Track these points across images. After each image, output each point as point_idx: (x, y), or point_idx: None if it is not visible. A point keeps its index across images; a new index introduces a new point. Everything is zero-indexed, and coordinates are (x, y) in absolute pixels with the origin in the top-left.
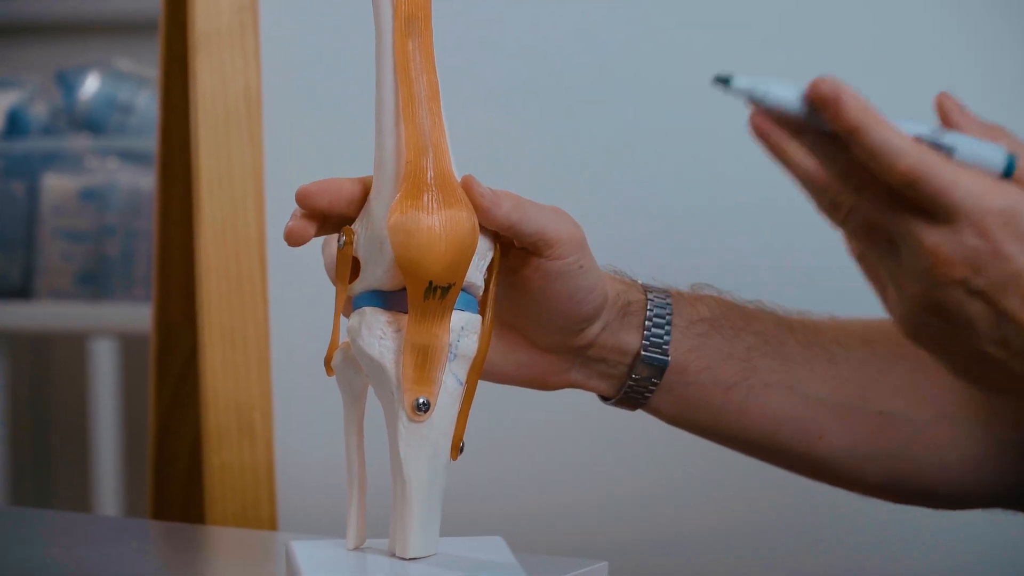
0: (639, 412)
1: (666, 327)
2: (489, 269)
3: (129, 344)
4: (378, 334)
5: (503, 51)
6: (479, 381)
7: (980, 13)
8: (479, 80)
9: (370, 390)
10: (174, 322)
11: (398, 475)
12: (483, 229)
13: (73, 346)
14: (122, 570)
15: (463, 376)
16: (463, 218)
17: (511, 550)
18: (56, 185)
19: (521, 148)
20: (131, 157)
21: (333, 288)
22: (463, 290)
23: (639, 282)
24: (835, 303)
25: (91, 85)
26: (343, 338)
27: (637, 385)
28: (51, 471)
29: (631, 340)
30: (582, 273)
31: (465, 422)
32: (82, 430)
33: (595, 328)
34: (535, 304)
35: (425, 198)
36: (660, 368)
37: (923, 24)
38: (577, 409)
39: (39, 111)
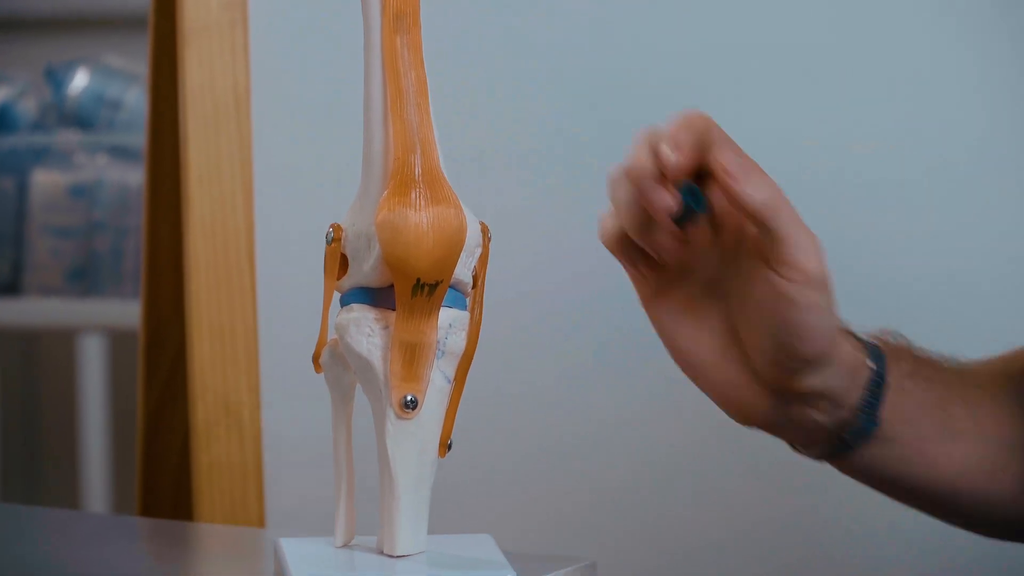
0: (630, 412)
1: (881, 388)
2: (478, 265)
3: (118, 340)
4: (366, 331)
5: (492, 46)
6: (467, 378)
7: (975, 11)
8: (468, 76)
9: (359, 387)
10: (163, 318)
11: (386, 472)
12: (471, 222)
13: (62, 342)
14: (110, 567)
15: (451, 373)
16: (451, 215)
17: (500, 548)
18: (45, 181)
19: (510, 144)
20: (120, 153)
21: (322, 284)
22: (451, 287)
23: (861, 339)
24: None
25: (80, 81)
26: (331, 335)
27: (839, 442)
28: (40, 467)
29: (848, 401)
30: (809, 310)
31: (453, 420)
32: (71, 426)
33: (814, 379)
34: (755, 313)
35: (413, 195)
36: (869, 432)
37: (917, 23)
38: (567, 406)
39: (28, 107)
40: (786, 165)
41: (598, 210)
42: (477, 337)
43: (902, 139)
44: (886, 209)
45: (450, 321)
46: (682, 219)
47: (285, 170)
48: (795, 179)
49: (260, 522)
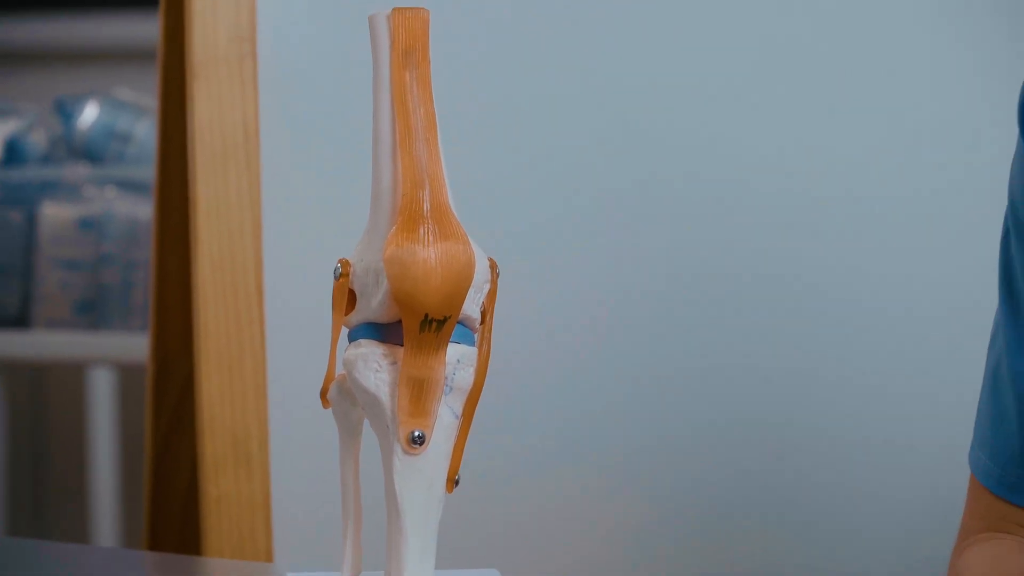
0: (640, 449)
1: None
2: (486, 301)
3: (126, 374)
4: (374, 367)
5: (502, 82)
6: (474, 413)
7: (971, 11)
8: (477, 111)
9: (366, 422)
10: (171, 352)
11: (393, 508)
12: (479, 258)
13: (70, 376)
14: None
15: (459, 409)
16: (459, 251)
17: None
18: (54, 214)
19: (519, 180)
20: (129, 186)
21: (330, 319)
22: (459, 323)
23: None
24: (836, 304)
25: (90, 114)
26: (339, 370)
27: None
28: (48, 501)
29: None
30: None
31: (460, 455)
32: (79, 460)
33: None
34: None
35: (421, 231)
36: None
37: (914, 22)
38: (573, 441)
39: (37, 140)
40: (784, 171)
41: (607, 246)
42: (485, 373)
43: (898, 144)
44: (881, 212)
45: (458, 357)
46: None
47: (293, 204)
48: (793, 184)
49: (268, 556)
